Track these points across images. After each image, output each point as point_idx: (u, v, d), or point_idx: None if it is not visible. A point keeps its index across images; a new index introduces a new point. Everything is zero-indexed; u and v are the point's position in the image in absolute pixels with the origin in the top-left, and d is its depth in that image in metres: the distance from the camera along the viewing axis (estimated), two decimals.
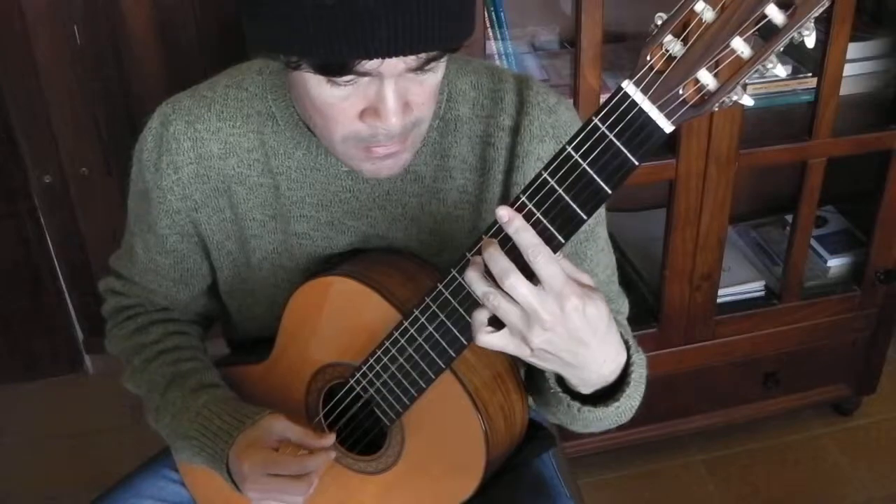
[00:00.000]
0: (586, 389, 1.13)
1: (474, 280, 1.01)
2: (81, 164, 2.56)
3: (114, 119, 2.50)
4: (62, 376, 2.93)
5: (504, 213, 0.98)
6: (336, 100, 1.09)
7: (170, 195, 1.33)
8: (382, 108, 1.07)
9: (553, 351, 1.02)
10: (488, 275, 1.00)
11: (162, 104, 1.34)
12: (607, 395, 1.15)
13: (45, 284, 2.77)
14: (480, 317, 1.03)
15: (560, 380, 1.17)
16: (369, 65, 1.02)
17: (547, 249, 0.97)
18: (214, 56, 2.44)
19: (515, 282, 0.97)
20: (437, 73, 1.11)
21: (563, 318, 0.98)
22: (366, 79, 1.06)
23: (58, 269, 2.76)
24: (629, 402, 1.18)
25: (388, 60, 1.02)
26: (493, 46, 2.06)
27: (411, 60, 1.04)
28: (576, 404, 1.17)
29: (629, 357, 1.14)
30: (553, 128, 1.27)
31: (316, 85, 1.08)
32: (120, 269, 1.50)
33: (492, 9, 2.05)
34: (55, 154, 2.54)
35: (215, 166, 1.31)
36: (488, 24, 2.03)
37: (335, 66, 1.03)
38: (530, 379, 1.31)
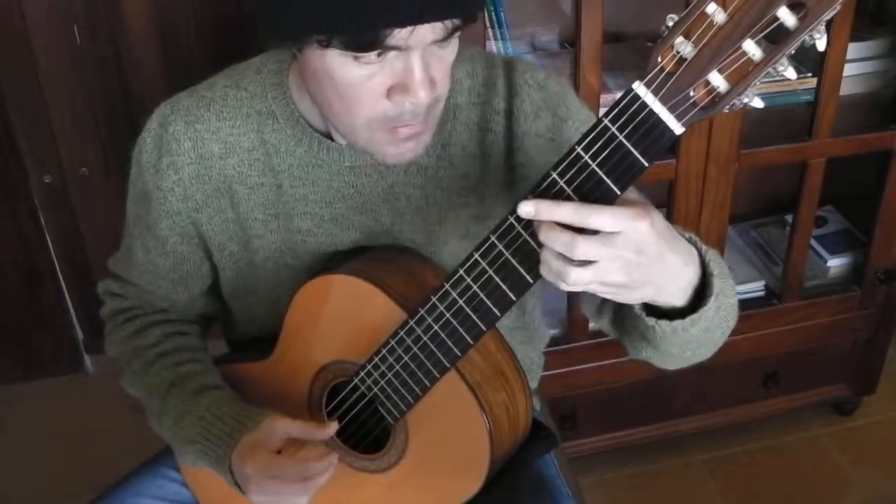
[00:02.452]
0: (680, 301, 1.09)
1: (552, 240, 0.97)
2: (81, 164, 2.56)
3: (114, 119, 2.50)
4: (62, 376, 2.93)
5: (528, 208, 0.98)
6: (362, 80, 1.08)
7: (170, 196, 1.33)
8: (411, 82, 1.07)
9: (644, 278, 0.99)
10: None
11: (160, 105, 1.34)
12: (700, 300, 1.10)
13: (45, 284, 2.77)
14: (556, 263, 0.98)
15: (651, 313, 1.13)
16: (399, 36, 1.02)
17: (589, 207, 0.95)
18: (214, 56, 2.44)
19: (586, 248, 0.94)
20: (454, 48, 1.12)
21: (643, 246, 0.96)
22: (392, 54, 1.06)
23: (58, 269, 2.76)
24: (726, 300, 1.14)
25: (417, 31, 1.02)
26: (493, 46, 2.07)
27: (439, 30, 1.05)
28: (679, 323, 1.10)
29: (699, 251, 1.09)
30: (545, 102, 1.28)
31: (341, 66, 1.08)
32: (118, 272, 1.50)
33: (492, 9, 2.05)
34: (55, 154, 2.54)
35: (216, 166, 1.31)
36: (488, 24, 2.03)
37: (366, 40, 1.03)
38: (623, 332, 1.28)
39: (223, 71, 1.35)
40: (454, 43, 1.11)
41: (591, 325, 2.26)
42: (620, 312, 1.27)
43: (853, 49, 2.09)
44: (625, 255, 0.95)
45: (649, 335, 1.15)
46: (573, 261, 0.96)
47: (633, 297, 1.03)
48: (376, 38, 1.02)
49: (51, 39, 2.36)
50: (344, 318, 1.29)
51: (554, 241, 0.96)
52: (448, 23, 1.04)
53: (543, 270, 1.00)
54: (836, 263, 2.46)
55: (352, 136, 1.19)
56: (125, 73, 2.44)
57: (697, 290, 1.09)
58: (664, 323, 1.11)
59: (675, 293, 1.06)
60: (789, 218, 2.35)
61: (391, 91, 1.09)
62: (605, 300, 1.32)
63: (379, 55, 1.06)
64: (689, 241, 1.09)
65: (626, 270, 0.96)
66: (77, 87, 2.44)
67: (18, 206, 2.62)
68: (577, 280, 0.96)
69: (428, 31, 1.04)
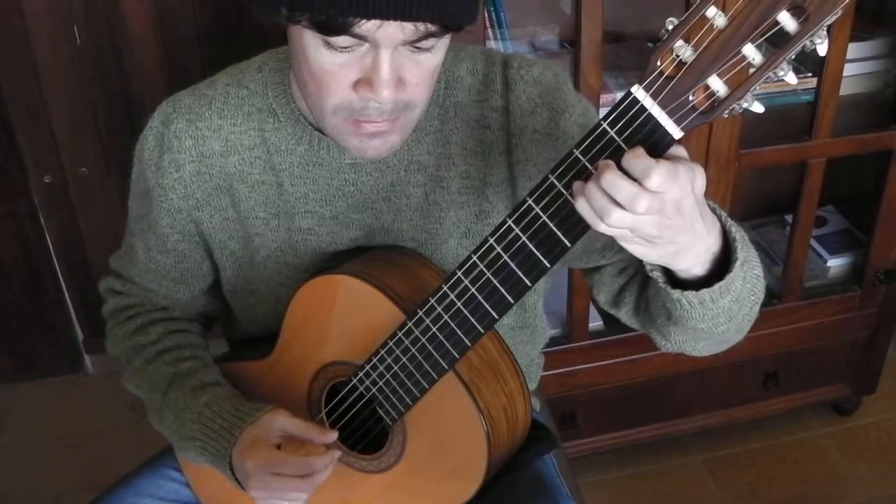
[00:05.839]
0: (698, 268, 1.05)
1: (584, 211, 0.94)
2: (81, 164, 2.56)
3: (114, 119, 2.50)
4: (62, 376, 2.93)
5: (578, 187, 0.94)
6: (332, 66, 1.09)
7: (171, 194, 1.33)
8: (375, 79, 1.08)
9: (672, 236, 0.96)
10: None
11: (162, 103, 1.34)
12: (724, 270, 1.07)
13: (45, 284, 2.77)
14: (585, 207, 0.94)
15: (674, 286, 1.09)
16: (366, 28, 1.03)
17: (651, 160, 0.90)
18: (214, 56, 2.44)
19: (633, 196, 0.90)
20: (434, 56, 1.12)
21: (683, 204, 0.93)
22: (363, 48, 1.07)
23: (58, 269, 2.75)
24: (752, 271, 1.11)
25: (385, 27, 1.03)
26: (493, 46, 2.06)
27: (409, 32, 1.05)
28: (706, 294, 1.07)
29: (721, 220, 1.06)
30: (541, 97, 1.28)
31: (314, 48, 1.09)
32: (120, 270, 1.50)
33: (492, 9, 2.05)
34: (55, 154, 2.54)
35: (217, 164, 1.31)
36: (488, 24, 2.03)
37: (333, 24, 1.03)
38: (648, 320, 1.27)
39: (225, 69, 1.36)
40: (437, 52, 1.11)
41: (592, 325, 2.26)
42: (645, 295, 1.27)
43: (853, 49, 2.09)
44: (665, 210, 0.92)
45: (675, 311, 1.12)
46: (616, 201, 0.92)
47: (652, 254, 0.99)
48: (343, 25, 1.03)
49: (51, 39, 2.36)
50: (343, 319, 1.29)
51: (607, 181, 0.91)
52: (421, 27, 1.04)
53: (581, 206, 0.94)
54: (836, 263, 2.46)
55: (321, 121, 1.19)
56: (125, 73, 2.44)
57: (719, 261, 1.07)
58: (690, 294, 1.07)
59: (693, 259, 1.03)
60: (789, 218, 2.35)
61: (357, 84, 1.10)
62: (623, 288, 1.32)
63: (348, 47, 1.06)
64: (713, 210, 1.05)
65: (659, 224, 0.93)
66: (77, 87, 2.44)
67: (18, 206, 2.62)
68: (617, 221, 0.92)
69: (397, 30, 1.04)
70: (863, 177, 2.39)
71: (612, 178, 0.90)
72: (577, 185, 0.95)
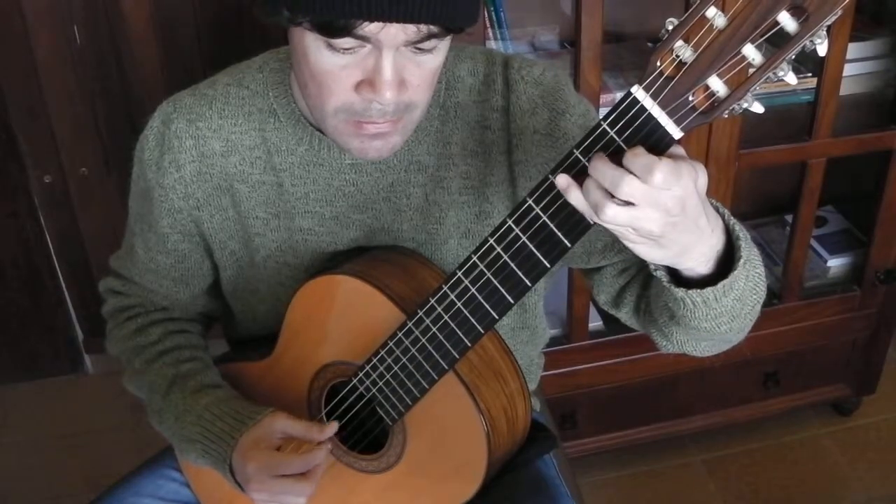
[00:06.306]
0: (702, 267, 1.05)
1: (578, 202, 0.95)
2: (81, 164, 2.56)
3: (114, 119, 2.50)
4: (62, 376, 2.93)
5: (563, 181, 0.95)
6: (334, 67, 1.09)
7: (172, 194, 1.33)
8: (378, 80, 1.08)
9: (676, 235, 0.95)
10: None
11: (163, 103, 1.34)
12: (727, 269, 1.06)
13: (44, 284, 2.77)
14: (580, 200, 0.95)
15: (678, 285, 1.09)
16: (369, 29, 1.03)
17: (652, 157, 0.90)
18: (214, 56, 2.44)
19: (631, 189, 0.90)
20: (436, 57, 1.12)
21: (686, 202, 0.92)
22: (365, 49, 1.07)
23: (57, 269, 2.75)
24: (754, 270, 1.10)
25: (387, 28, 1.03)
26: (493, 46, 2.06)
27: (411, 33, 1.05)
28: (710, 293, 1.06)
29: (724, 218, 1.06)
30: (542, 97, 1.28)
31: (316, 50, 1.09)
32: (120, 270, 1.50)
33: (492, 9, 2.05)
34: (55, 154, 2.54)
35: (217, 164, 1.31)
36: (488, 24, 2.03)
37: (335, 26, 1.04)
38: (649, 321, 1.27)
39: (225, 69, 1.36)
40: (438, 53, 1.11)
41: (592, 325, 2.26)
42: (646, 295, 1.26)
43: (853, 49, 2.09)
44: (668, 208, 0.91)
45: (678, 310, 1.11)
46: (614, 197, 0.91)
47: (656, 255, 0.98)
48: (345, 26, 1.03)
49: (51, 39, 2.36)
50: (343, 319, 1.29)
51: (602, 173, 0.91)
52: (423, 28, 1.05)
53: (573, 198, 0.95)
54: (836, 263, 2.46)
55: (322, 122, 1.19)
56: (125, 73, 2.43)
57: (722, 260, 1.06)
58: (694, 293, 1.07)
59: (697, 258, 1.02)
60: (789, 218, 2.35)
61: (359, 85, 1.10)
62: (624, 288, 1.32)
63: (350, 49, 1.06)
64: (716, 208, 1.04)
65: (663, 223, 0.92)
66: (77, 87, 2.44)
67: (18, 206, 2.62)
68: (612, 217, 0.91)
69: (400, 31, 1.04)
70: (863, 177, 2.39)
71: (603, 169, 0.90)
72: (560, 178, 0.95)
